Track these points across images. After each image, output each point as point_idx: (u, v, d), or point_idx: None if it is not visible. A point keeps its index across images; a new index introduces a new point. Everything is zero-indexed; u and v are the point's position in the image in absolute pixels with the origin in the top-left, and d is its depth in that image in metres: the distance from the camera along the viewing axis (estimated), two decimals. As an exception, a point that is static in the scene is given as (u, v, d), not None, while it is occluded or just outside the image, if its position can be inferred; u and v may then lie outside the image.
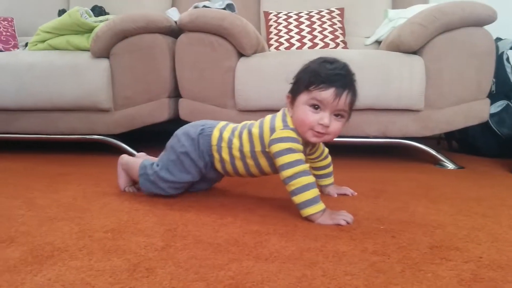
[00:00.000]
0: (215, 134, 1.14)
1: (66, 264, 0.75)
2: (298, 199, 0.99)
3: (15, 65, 1.90)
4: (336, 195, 1.24)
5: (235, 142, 1.11)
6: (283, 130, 1.03)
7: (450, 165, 1.75)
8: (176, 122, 1.92)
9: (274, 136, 1.03)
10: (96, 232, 0.92)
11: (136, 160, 1.25)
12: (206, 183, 1.26)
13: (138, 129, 1.93)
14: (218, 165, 1.16)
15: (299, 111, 1.02)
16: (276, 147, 1.02)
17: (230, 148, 1.12)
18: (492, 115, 1.94)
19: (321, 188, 1.26)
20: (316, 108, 1.00)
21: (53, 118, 1.94)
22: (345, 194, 1.26)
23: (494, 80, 1.94)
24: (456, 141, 2.25)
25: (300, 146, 1.02)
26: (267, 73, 1.74)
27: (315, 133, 1.01)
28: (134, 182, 1.29)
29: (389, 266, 0.74)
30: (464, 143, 2.16)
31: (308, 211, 0.98)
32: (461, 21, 1.64)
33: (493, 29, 1.71)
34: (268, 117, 1.10)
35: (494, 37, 1.73)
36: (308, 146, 1.14)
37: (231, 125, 1.17)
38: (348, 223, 0.97)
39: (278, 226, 0.96)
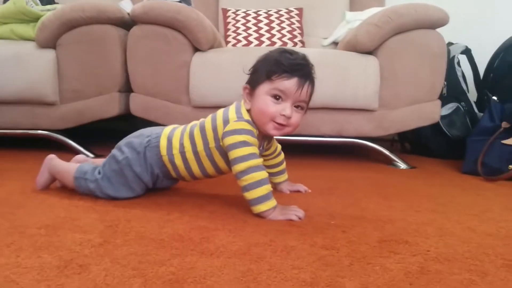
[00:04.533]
0: (163, 143, 1.07)
1: (-11, 261, 0.68)
2: (250, 195, 0.95)
3: (-47, 53, 1.76)
4: (288, 192, 1.22)
5: (187, 144, 1.05)
6: (237, 122, 0.98)
7: (402, 165, 1.77)
8: (126, 118, 1.86)
9: (228, 128, 0.98)
10: (28, 228, 0.85)
11: (69, 165, 1.14)
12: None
13: (86, 125, 1.84)
14: (173, 173, 1.10)
15: (260, 102, 0.98)
16: (230, 140, 0.97)
17: (183, 153, 1.05)
18: (443, 117, 1.99)
19: (274, 185, 1.24)
20: (278, 99, 0.97)
21: (-7, 111, 1.82)
22: (298, 191, 1.24)
23: (445, 83, 2.00)
24: (409, 142, 2.29)
25: (254, 139, 0.98)
26: (224, 69, 1.70)
27: (276, 125, 0.98)
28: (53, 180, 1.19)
29: (337, 259, 0.72)
30: (416, 144, 2.21)
31: (260, 208, 0.95)
32: (414, 22, 1.67)
33: (444, 33, 1.75)
34: (221, 110, 1.05)
35: (446, 42, 1.77)
36: (265, 141, 1.10)
37: (179, 129, 1.09)
38: (299, 218, 0.94)
39: (227, 221, 0.92)
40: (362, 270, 0.68)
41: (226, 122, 1.00)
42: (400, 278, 0.65)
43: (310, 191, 1.24)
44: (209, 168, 1.07)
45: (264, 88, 0.97)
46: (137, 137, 1.10)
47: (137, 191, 1.09)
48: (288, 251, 0.75)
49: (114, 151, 1.10)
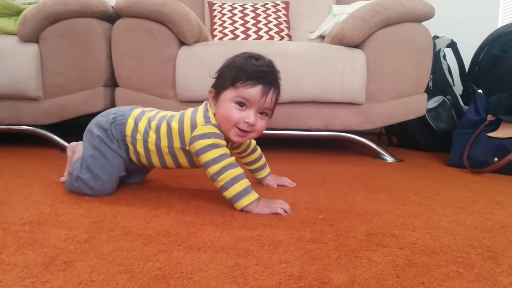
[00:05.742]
0: (130, 123, 1.06)
1: (-29, 259, 0.67)
2: (229, 193, 0.95)
3: None
4: (275, 186, 1.22)
5: (152, 135, 1.04)
6: (204, 126, 0.97)
7: (389, 158, 1.78)
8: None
9: (196, 132, 0.97)
10: (12, 225, 0.83)
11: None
12: (134, 178, 1.20)
13: (72, 120, 1.81)
14: (133, 157, 1.09)
15: (224, 108, 0.97)
16: (199, 144, 0.96)
17: (145, 141, 1.04)
18: (429, 111, 2.01)
19: (259, 180, 1.25)
20: (242, 106, 0.96)
21: (-25, 107, 1.78)
22: (283, 185, 1.23)
23: (431, 76, 2.01)
24: (396, 136, 2.31)
25: (223, 141, 0.98)
26: (210, 63, 1.64)
27: (238, 131, 0.97)
28: None
29: (325, 253, 0.72)
30: (403, 137, 2.22)
31: (241, 203, 0.94)
32: (401, 15, 1.67)
33: (430, 27, 1.76)
34: (189, 111, 1.04)
35: (432, 35, 1.78)
36: (230, 141, 1.09)
37: (148, 114, 1.08)
38: (285, 211, 0.94)
39: (215, 216, 0.91)
40: (349, 264, 0.68)
41: (193, 126, 0.99)
42: (388, 271, 0.65)
43: (295, 184, 1.24)
44: (169, 162, 1.07)
45: (229, 95, 0.96)
46: (104, 116, 1.10)
47: (120, 167, 1.08)
48: (275, 245, 0.75)
49: (87, 136, 1.09)
